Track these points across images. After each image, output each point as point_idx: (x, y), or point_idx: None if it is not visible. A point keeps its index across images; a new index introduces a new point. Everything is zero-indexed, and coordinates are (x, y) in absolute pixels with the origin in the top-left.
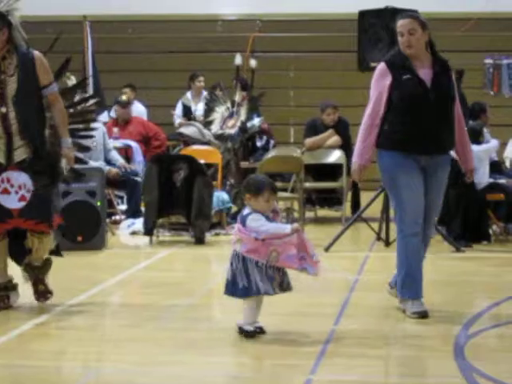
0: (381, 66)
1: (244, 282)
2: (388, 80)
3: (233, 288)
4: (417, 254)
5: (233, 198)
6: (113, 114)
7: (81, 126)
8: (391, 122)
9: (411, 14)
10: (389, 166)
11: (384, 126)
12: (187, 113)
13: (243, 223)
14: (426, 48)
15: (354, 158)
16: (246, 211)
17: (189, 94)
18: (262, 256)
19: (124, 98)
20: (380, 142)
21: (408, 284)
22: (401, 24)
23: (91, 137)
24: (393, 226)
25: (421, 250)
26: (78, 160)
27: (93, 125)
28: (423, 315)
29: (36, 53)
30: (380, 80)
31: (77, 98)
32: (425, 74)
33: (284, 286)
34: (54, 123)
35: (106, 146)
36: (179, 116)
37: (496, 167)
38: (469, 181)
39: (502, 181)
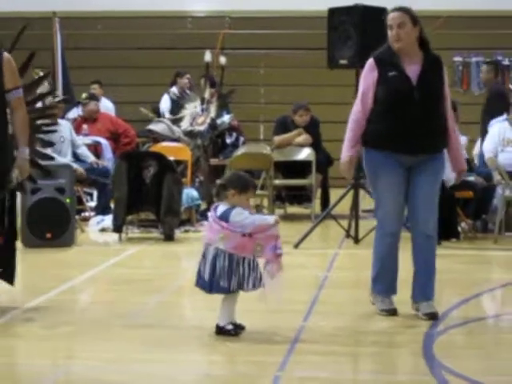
0: (369, 62)
1: (227, 280)
2: (375, 76)
3: (217, 285)
4: (392, 253)
5: (203, 195)
6: (81, 110)
7: (45, 121)
8: (375, 120)
9: (402, 7)
10: (370, 165)
11: (368, 124)
12: (175, 108)
13: (226, 219)
14: (417, 44)
15: (341, 155)
16: (224, 207)
17: (175, 90)
18: (248, 251)
19: (84, 96)
20: (364, 140)
21: (380, 280)
22: (391, 17)
23: (54, 131)
24: (362, 223)
25: (397, 250)
26: (45, 156)
27: (59, 121)
28: (391, 313)
29: (5, 54)
30: (367, 76)
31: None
32: (412, 70)
33: (256, 283)
34: (13, 131)
35: (74, 141)
36: (168, 110)
37: None
38: (456, 182)
39: (471, 178)
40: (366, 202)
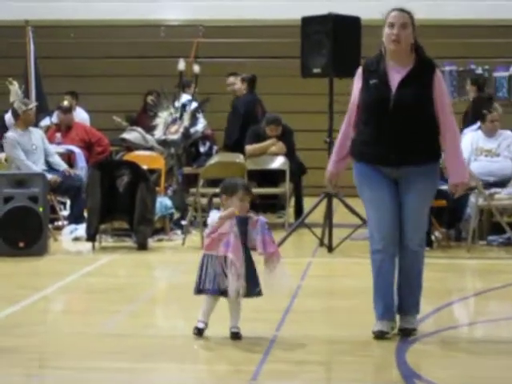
0: (358, 70)
1: (199, 280)
2: (359, 84)
3: (196, 285)
4: (383, 272)
5: (176, 204)
6: (54, 119)
7: None
8: (357, 131)
9: (405, 8)
10: (356, 179)
11: (355, 136)
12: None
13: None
14: (411, 50)
15: (327, 168)
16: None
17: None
18: (214, 249)
19: (66, 103)
20: (351, 153)
21: (376, 303)
22: (394, 15)
23: None
24: (335, 232)
25: (389, 268)
26: None
27: (31, 129)
28: (377, 335)
29: None
30: (354, 85)
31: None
32: (398, 77)
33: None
34: None
35: (47, 150)
36: None
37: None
38: (452, 195)
39: (444, 187)
40: (340, 210)
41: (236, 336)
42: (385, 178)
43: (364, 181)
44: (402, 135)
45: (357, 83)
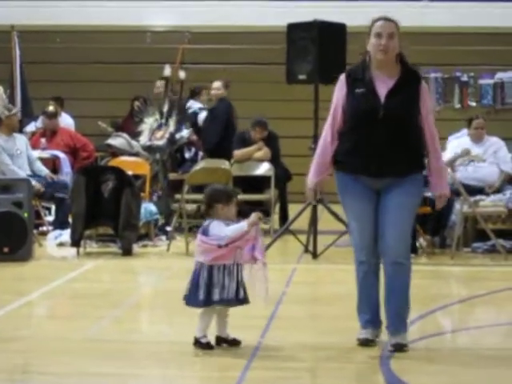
0: (341, 77)
1: (206, 293)
2: (343, 93)
3: (194, 298)
4: (367, 283)
5: (161, 210)
6: (39, 124)
7: None
8: (341, 140)
9: (391, 17)
10: (338, 189)
11: (337, 145)
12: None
13: (206, 233)
14: (396, 60)
15: (308, 177)
16: (206, 222)
17: (193, 103)
18: (228, 259)
19: (51, 108)
20: (333, 162)
21: (360, 312)
22: (380, 25)
23: None
24: (320, 239)
25: (373, 279)
26: None
27: (15, 135)
28: (361, 342)
29: None
30: (337, 93)
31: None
32: (385, 86)
33: (240, 298)
34: None
35: (30, 156)
36: None
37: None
38: (437, 208)
39: (429, 194)
40: (325, 217)
41: (237, 341)
42: (366, 188)
43: (345, 191)
44: (386, 145)
45: (340, 90)
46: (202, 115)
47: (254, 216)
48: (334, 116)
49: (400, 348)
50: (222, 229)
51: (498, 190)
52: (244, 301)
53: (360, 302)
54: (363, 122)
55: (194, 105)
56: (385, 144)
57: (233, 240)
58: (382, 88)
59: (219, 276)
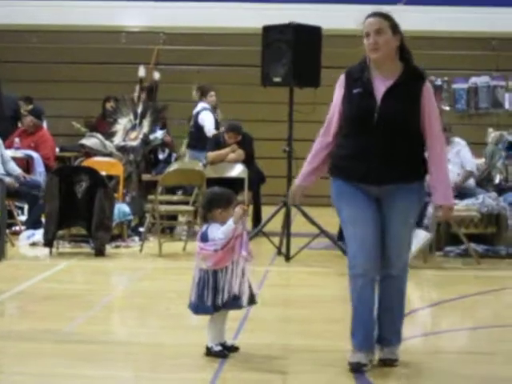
0: (341, 77)
1: (212, 299)
2: (341, 94)
3: (202, 306)
4: (364, 300)
5: (134, 210)
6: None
7: None
8: (337, 144)
9: (381, 12)
10: (334, 197)
11: (334, 149)
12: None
13: (205, 239)
14: (397, 55)
15: (295, 180)
16: (204, 227)
17: (204, 104)
18: (227, 261)
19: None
20: (329, 168)
21: (355, 333)
22: (367, 23)
23: None
24: (293, 241)
25: (372, 295)
26: None
27: None
28: (353, 367)
29: None
30: (335, 94)
31: None
32: (384, 86)
33: (251, 299)
34: None
35: (3, 156)
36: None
37: None
38: (440, 219)
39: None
40: (298, 219)
41: (235, 348)
42: (366, 195)
43: (343, 199)
44: (384, 151)
45: (338, 91)
46: (203, 115)
47: (238, 209)
48: (330, 119)
49: (390, 364)
50: (217, 233)
51: (472, 194)
52: (252, 301)
53: (355, 319)
54: (357, 126)
55: (199, 106)
56: (383, 150)
57: (227, 241)
58: (380, 89)
59: (225, 279)
